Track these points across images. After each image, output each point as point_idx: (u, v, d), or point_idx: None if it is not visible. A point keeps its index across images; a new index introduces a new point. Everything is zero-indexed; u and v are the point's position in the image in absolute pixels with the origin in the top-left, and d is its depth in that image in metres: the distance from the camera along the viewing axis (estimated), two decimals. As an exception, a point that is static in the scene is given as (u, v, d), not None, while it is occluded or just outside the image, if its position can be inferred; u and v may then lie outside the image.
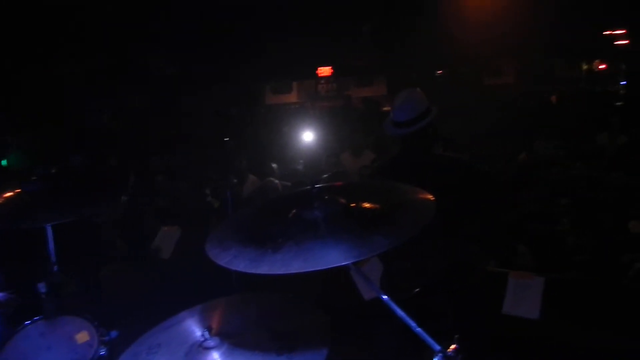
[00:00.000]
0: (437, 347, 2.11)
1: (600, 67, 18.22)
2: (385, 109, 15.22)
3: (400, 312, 2.14)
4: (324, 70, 17.94)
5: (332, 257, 1.95)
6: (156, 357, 2.22)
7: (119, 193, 5.59)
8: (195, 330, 2.28)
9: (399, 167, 4.05)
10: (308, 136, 10.61)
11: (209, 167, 9.10)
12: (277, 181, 8.09)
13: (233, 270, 2.02)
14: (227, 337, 2.21)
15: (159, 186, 8.55)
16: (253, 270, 1.99)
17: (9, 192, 3.40)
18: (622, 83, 15.95)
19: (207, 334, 2.18)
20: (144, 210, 7.66)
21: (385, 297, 2.18)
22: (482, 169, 4.25)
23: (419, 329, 2.13)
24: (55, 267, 3.35)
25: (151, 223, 7.15)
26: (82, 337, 3.12)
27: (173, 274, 5.81)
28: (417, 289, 3.75)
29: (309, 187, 2.26)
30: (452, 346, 2.13)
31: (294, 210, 2.24)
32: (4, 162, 9.44)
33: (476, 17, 13.91)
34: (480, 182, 3.98)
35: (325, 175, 7.80)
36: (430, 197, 2.34)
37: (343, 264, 1.94)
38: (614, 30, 15.86)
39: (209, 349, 2.17)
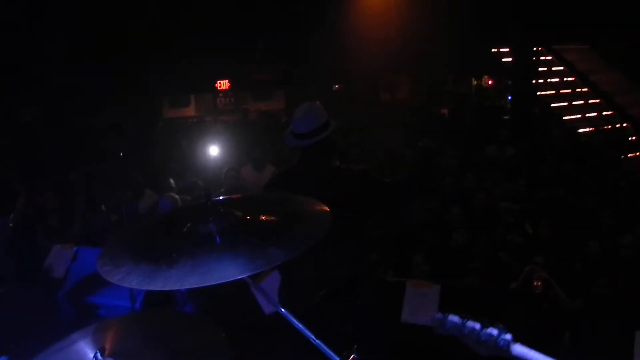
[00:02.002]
0: (336, 358, 2.11)
1: (488, 82, 19.01)
2: (283, 121, 15.31)
3: (298, 325, 2.14)
4: (223, 84, 17.84)
5: (228, 271, 1.92)
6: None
7: (6, 211, 5.34)
8: (88, 351, 2.19)
9: (297, 178, 4.05)
10: (208, 150, 10.50)
11: (104, 182, 8.84)
12: (176, 196, 7.96)
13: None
14: (122, 357, 2.14)
15: (49, 204, 8.22)
16: (147, 287, 1.94)
17: None
18: (508, 98, 16.69)
19: (99, 356, 2.10)
20: (35, 228, 7.35)
21: (283, 310, 2.17)
22: (377, 178, 4.33)
23: (317, 341, 2.13)
24: None
25: (43, 241, 6.87)
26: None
27: (67, 294, 5.58)
28: (317, 299, 3.76)
29: (204, 200, 2.23)
30: (351, 356, 2.14)
31: (189, 224, 2.20)
32: None
33: (372, 34, 14.23)
34: (377, 190, 4.04)
35: (223, 189, 7.75)
36: (326, 208, 2.36)
37: (239, 277, 1.92)
38: (500, 48, 16.59)
39: (102, 370, 2.09)
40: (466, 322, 2.00)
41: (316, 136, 3.92)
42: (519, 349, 1.94)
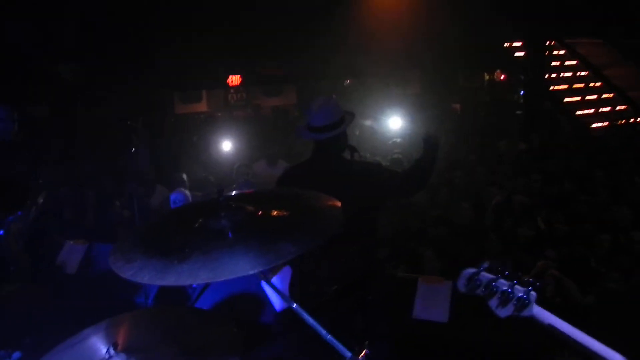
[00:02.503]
0: (348, 354, 2.11)
1: (500, 77, 18.93)
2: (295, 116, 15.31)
3: (310, 321, 2.14)
4: (234, 80, 17.85)
5: (239, 266, 1.93)
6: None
7: (26, 204, 5.37)
8: (101, 347, 2.21)
9: (310, 172, 4.08)
10: (220, 146, 10.50)
11: (117, 178, 8.86)
12: (187, 192, 7.97)
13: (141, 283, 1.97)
14: (134, 352, 2.15)
15: (64, 198, 8.25)
16: (159, 282, 1.95)
17: None
18: (521, 93, 16.61)
19: (112, 351, 2.11)
20: (49, 223, 7.38)
21: (295, 306, 2.17)
22: (389, 169, 4.33)
23: (329, 337, 2.13)
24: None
25: (56, 236, 6.89)
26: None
27: (79, 290, 5.60)
28: (329, 294, 3.77)
29: (215, 196, 2.23)
30: (363, 352, 2.14)
31: (201, 220, 2.21)
32: None
33: (384, 29, 14.18)
34: (389, 180, 4.05)
35: (234, 185, 7.75)
36: (337, 203, 2.36)
37: (251, 272, 1.92)
38: (512, 43, 16.50)
39: (115, 365, 2.10)
40: (499, 278, 2.05)
41: (332, 130, 3.95)
42: (539, 309, 2.02)
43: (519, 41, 16.14)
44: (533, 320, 2.03)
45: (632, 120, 14.81)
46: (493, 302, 2.04)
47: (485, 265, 2.08)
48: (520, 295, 2.00)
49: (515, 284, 2.02)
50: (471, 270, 2.10)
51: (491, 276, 2.05)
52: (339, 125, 3.98)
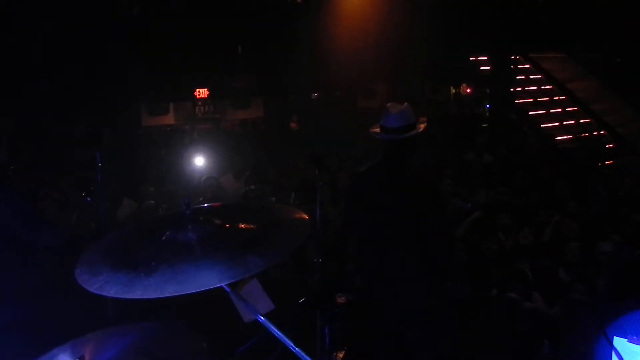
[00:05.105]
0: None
1: (467, 90, 19.15)
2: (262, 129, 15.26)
3: (277, 332, 2.14)
4: (202, 92, 17.82)
5: (206, 279, 1.91)
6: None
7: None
8: (68, 365, 2.17)
9: (377, 178, 4.27)
10: (187, 158, 10.45)
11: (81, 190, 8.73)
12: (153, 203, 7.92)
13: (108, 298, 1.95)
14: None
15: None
16: (125, 296, 1.93)
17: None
18: (487, 106, 16.83)
19: (79, 368, 2.08)
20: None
21: (262, 318, 2.17)
22: (444, 223, 4.53)
23: (297, 349, 2.13)
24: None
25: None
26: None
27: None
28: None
29: (183, 208, 2.22)
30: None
31: (168, 233, 2.19)
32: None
33: (350, 43, 14.27)
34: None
35: (202, 198, 7.71)
36: (305, 216, 2.36)
37: (217, 285, 1.91)
38: (478, 57, 16.72)
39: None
40: None
41: (407, 132, 4.12)
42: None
43: (484, 55, 16.36)
44: None
45: (595, 132, 15.07)
46: None
47: None
48: None
49: None
50: None
51: None
52: (412, 129, 4.16)
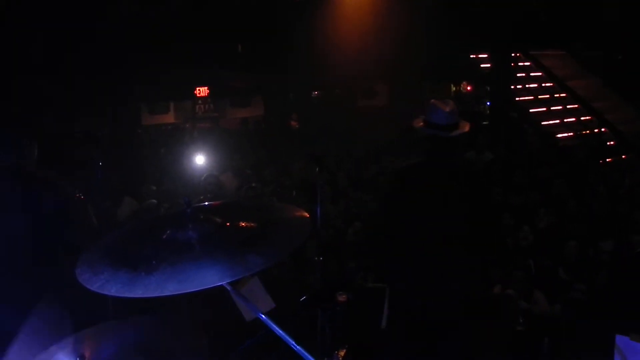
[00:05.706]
0: (317, 364, 2.12)
1: (467, 88, 19.13)
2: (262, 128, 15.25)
3: (278, 331, 2.14)
4: (202, 91, 17.80)
5: (206, 278, 1.91)
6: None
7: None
8: (68, 362, 2.16)
9: (423, 174, 4.21)
10: (187, 156, 10.45)
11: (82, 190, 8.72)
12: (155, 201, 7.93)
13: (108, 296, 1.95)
14: (101, 365, 2.12)
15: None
16: (126, 294, 1.93)
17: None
18: (487, 104, 16.80)
19: (78, 363, 2.08)
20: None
21: (263, 316, 2.16)
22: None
23: (298, 347, 2.13)
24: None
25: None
26: None
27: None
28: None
29: (183, 207, 2.22)
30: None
31: (168, 231, 2.19)
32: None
33: (349, 41, 14.26)
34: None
35: (202, 197, 7.70)
36: (306, 214, 2.36)
37: (218, 284, 1.91)
38: (478, 54, 16.70)
39: (82, 378, 2.07)
40: None
41: (455, 130, 4.09)
42: None
43: (484, 53, 16.33)
44: None
45: (596, 130, 15.03)
46: None
47: None
48: None
49: None
50: None
51: None
52: (458, 127, 4.13)
